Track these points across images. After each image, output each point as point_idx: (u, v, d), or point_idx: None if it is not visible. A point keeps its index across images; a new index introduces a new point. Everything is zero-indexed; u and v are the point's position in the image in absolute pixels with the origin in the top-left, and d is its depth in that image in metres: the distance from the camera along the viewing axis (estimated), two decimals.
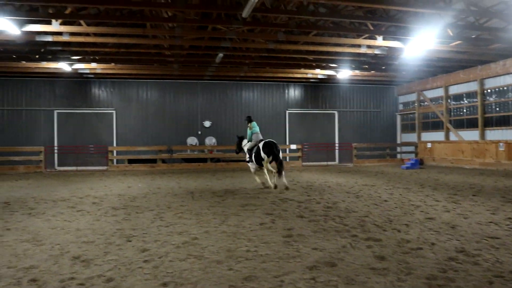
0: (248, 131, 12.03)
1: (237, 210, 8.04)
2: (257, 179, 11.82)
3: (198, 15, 13.71)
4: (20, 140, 20.37)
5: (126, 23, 13.65)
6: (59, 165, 20.53)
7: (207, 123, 22.04)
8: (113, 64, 18.40)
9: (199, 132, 21.95)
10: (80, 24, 13.22)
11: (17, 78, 20.35)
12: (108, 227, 6.55)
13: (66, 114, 21.01)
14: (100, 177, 15.72)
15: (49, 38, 13.55)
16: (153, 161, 20.15)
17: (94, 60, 17.60)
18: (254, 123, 12.12)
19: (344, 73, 20.25)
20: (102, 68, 18.73)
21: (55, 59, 16.83)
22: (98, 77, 20.91)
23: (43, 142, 20.40)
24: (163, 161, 20.35)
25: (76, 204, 8.91)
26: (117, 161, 20.59)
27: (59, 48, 14.93)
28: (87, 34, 13.81)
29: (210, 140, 21.71)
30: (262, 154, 11.03)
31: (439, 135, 21.23)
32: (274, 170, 11.11)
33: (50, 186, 12.74)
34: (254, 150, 11.51)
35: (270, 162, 11.22)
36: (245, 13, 10.69)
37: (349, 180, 13.90)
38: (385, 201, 9.01)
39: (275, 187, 11.09)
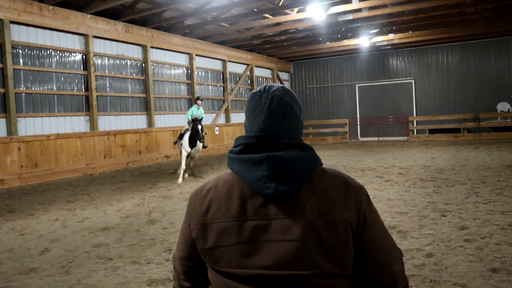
0: None
1: None
2: None
3: None
4: (327, 113, 22.68)
5: None
6: (361, 135, 21.78)
7: None
8: (410, 32, 17.93)
9: None
10: None
11: (323, 58, 22.58)
12: (419, 199, 6.48)
13: (366, 87, 21.98)
14: (401, 147, 15.80)
15: (350, 17, 14.31)
16: (457, 130, 18.77)
17: (391, 31, 17.60)
18: None
19: None
20: (399, 38, 18.53)
21: (355, 35, 17.73)
22: (395, 48, 20.81)
23: (347, 114, 22.05)
24: (468, 130, 18.67)
25: (383, 174, 9.22)
26: (418, 131, 20.21)
27: (359, 24, 15.59)
28: (385, 6, 13.85)
29: None
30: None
31: None
32: None
33: (356, 155, 13.65)
34: None
35: None
36: None
37: None
38: None
39: None
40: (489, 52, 19.43)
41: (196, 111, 10.23)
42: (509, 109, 18.65)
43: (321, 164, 1.26)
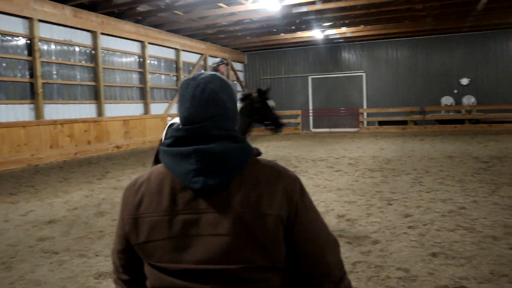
0: None
1: (510, 179, 7.01)
2: None
3: None
4: (281, 105, 22.85)
5: None
6: (314, 127, 22.17)
7: (464, 81, 19.80)
8: (362, 26, 18.40)
9: (455, 91, 19.95)
10: None
11: (277, 49, 22.70)
12: (367, 188, 6.70)
13: (319, 79, 22.35)
14: (352, 139, 16.25)
15: (304, 9, 14.46)
16: (404, 122, 19.54)
17: (343, 25, 17.97)
18: None
19: None
20: (351, 32, 18.96)
21: (309, 28, 17.96)
22: (348, 41, 21.28)
23: (300, 106, 22.34)
24: (415, 122, 19.49)
25: (333, 164, 9.45)
26: (368, 123, 20.85)
27: (313, 16, 15.79)
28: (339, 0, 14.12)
29: (468, 100, 19.48)
30: None
31: None
32: None
33: (308, 146, 13.91)
34: None
35: None
36: None
37: None
38: None
39: None
40: (435, 48, 20.30)
41: None
42: (452, 103, 19.62)
43: (259, 154, 1.25)
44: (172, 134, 1.20)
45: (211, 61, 20.02)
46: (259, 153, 1.26)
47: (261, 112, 5.24)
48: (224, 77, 1.29)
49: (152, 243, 1.16)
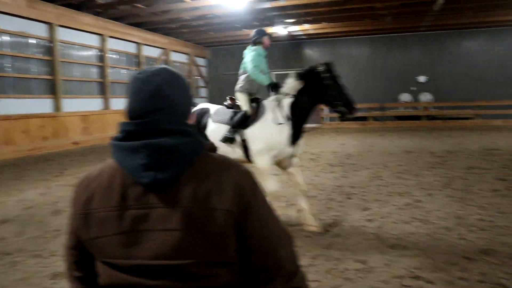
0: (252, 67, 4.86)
1: (463, 173, 7.32)
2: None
3: None
4: None
5: None
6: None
7: (421, 79, 20.49)
8: (324, 23, 18.66)
9: (413, 88, 20.61)
10: None
11: (240, 44, 22.58)
12: (328, 183, 6.82)
13: (282, 75, 22.45)
14: (314, 134, 16.47)
15: (267, 5, 14.51)
16: (364, 118, 19.99)
17: (306, 22, 18.17)
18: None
19: None
20: (314, 29, 19.20)
21: (272, 24, 18.02)
22: (310, 38, 21.54)
23: None
24: (375, 118, 19.98)
25: None
26: (330, 119, 21.17)
27: (276, 13, 15.86)
28: None
29: (425, 97, 20.18)
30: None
31: None
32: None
33: None
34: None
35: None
36: None
37: None
38: None
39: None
40: (395, 46, 20.89)
41: (264, 64, 5.03)
42: (410, 100, 20.26)
43: (213, 149, 1.24)
44: (122, 128, 1.18)
45: (174, 56, 19.93)
46: (214, 148, 1.24)
47: (331, 91, 4.27)
48: (176, 70, 1.26)
49: (102, 239, 1.14)
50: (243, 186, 1.16)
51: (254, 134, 4.47)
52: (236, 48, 22.79)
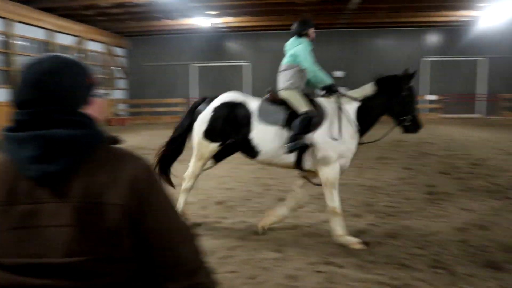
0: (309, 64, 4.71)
1: (373, 163, 7.79)
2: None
3: None
4: (164, 92, 22.25)
5: None
6: None
7: (338, 73, 21.46)
8: (246, 16, 18.78)
9: None
10: None
11: (161, 35, 22.01)
12: (247, 175, 6.92)
13: (204, 67, 22.31)
14: None
15: None
16: None
17: (229, 14, 18.16)
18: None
19: (494, 13, 17.51)
20: (237, 22, 19.26)
21: (193, 15, 17.77)
22: (233, 31, 21.57)
23: (184, 94, 22.07)
24: None
25: None
26: None
27: (198, 4, 15.66)
28: None
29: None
30: None
31: None
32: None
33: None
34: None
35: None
36: None
37: (497, 135, 12.39)
38: None
39: None
40: (314, 42, 21.56)
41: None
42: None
43: (115, 142, 1.18)
44: (13, 117, 1.09)
45: (90, 45, 18.91)
46: (116, 141, 1.18)
47: (405, 104, 3.90)
48: (71, 57, 1.18)
49: None
50: (139, 180, 1.11)
51: (325, 139, 3.92)
52: (156, 38, 22.19)
